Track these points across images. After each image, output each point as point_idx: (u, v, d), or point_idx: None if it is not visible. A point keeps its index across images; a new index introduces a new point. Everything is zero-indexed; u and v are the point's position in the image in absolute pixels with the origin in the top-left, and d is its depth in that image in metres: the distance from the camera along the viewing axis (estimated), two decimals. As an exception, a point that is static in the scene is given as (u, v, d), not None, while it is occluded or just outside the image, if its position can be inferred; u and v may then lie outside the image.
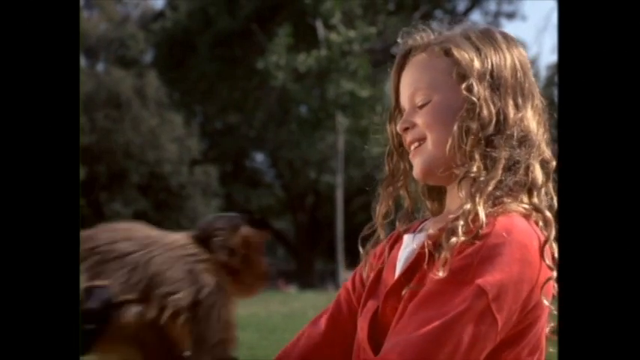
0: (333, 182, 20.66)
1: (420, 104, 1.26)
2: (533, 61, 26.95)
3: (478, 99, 1.20)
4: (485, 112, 1.19)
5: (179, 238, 1.22)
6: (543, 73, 27.85)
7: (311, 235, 29.01)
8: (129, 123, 23.76)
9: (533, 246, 1.12)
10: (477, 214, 1.13)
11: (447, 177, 1.24)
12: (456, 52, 1.24)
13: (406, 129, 1.27)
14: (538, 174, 1.19)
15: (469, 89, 1.20)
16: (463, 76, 1.22)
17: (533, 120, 1.22)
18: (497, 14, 23.87)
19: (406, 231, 1.31)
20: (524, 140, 1.20)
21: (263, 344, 8.57)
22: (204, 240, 1.22)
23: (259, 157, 32.02)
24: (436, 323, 1.08)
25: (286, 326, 10.22)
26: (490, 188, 1.16)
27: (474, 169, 1.17)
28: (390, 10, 20.09)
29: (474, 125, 1.19)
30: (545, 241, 1.12)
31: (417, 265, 1.20)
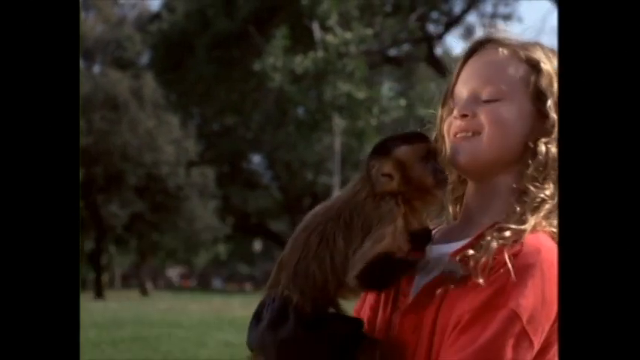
0: (331, 184, 20.65)
1: (486, 99, 1.25)
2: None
3: (554, 121, 1.21)
4: (556, 134, 1.21)
5: (353, 185, 1.25)
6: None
7: (308, 236, 28.93)
8: (126, 125, 23.73)
9: (555, 258, 1.13)
10: (522, 229, 1.15)
11: (485, 174, 1.26)
12: (542, 66, 1.24)
13: (464, 116, 1.25)
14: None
15: (549, 109, 1.22)
16: (539, 92, 1.23)
17: None
18: (493, 16, 23.88)
19: None
20: None
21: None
22: (368, 178, 1.23)
23: (256, 159, 32.04)
24: (473, 347, 1.09)
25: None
26: (547, 207, 1.19)
27: (548, 192, 1.19)
28: (387, 11, 20.08)
29: (553, 148, 1.21)
30: None
31: (439, 284, 1.18)
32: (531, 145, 1.22)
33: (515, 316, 1.09)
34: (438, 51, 22.43)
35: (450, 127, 1.28)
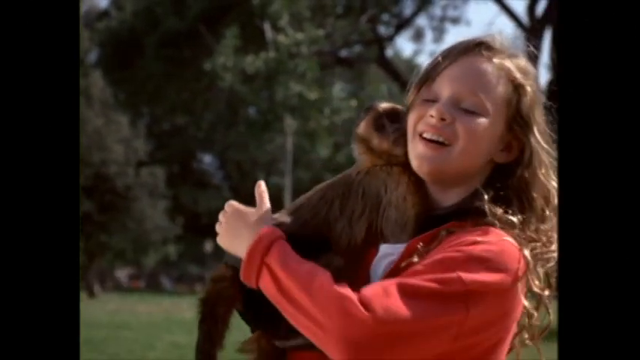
0: (282, 184, 20.62)
1: (468, 109, 1.23)
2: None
3: (533, 149, 1.23)
4: (536, 161, 1.23)
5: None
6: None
7: (259, 236, 28.83)
8: (73, 124, 23.22)
9: (521, 265, 1.15)
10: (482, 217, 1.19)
11: (445, 182, 1.26)
12: (527, 89, 1.24)
13: (443, 119, 1.23)
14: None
15: (534, 138, 1.23)
16: (520, 117, 1.24)
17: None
18: (442, 19, 24.22)
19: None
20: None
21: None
22: None
23: (207, 159, 31.78)
24: (409, 281, 1.10)
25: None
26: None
27: (516, 216, 1.20)
28: (338, 13, 20.18)
29: (529, 173, 1.22)
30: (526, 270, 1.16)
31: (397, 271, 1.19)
32: (498, 161, 1.25)
33: (459, 282, 1.10)
34: (389, 53, 22.66)
35: (419, 120, 1.25)
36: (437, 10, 24.05)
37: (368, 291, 1.10)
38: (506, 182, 1.23)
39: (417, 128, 1.25)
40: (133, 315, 15.49)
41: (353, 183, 1.30)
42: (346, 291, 1.09)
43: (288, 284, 1.13)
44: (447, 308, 1.09)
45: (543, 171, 1.23)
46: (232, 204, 1.31)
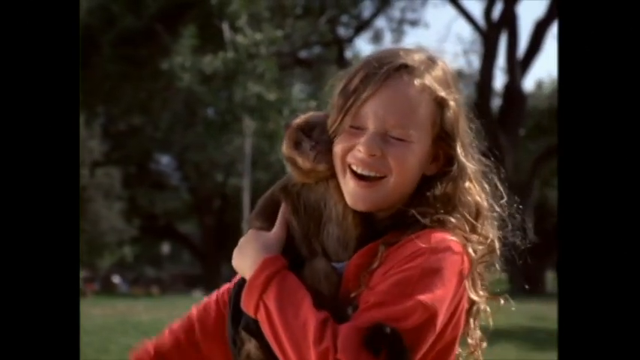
0: (241, 185, 20.52)
1: (396, 137, 1.22)
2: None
3: (460, 163, 1.25)
4: (463, 174, 1.26)
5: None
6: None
7: (218, 238, 28.68)
8: (26, 123, 22.74)
9: (465, 264, 1.19)
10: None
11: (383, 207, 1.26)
12: (450, 104, 1.25)
13: (372, 155, 1.22)
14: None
15: (460, 149, 1.25)
16: (445, 134, 1.25)
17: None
18: (401, 21, 24.43)
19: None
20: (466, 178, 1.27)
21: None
22: None
23: (165, 160, 31.42)
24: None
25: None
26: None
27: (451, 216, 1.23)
28: (298, 13, 20.17)
29: (454, 185, 1.25)
30: (470, 268, 1.19)
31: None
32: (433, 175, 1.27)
33: (424, 309, 1.13)
34: (348, 54, 22.72)
35: (347, 151, 1.24)
36: (396, 13, 24.25)
37: (344, 342, 1.10)
38: (434, 192, 1.25)
39: (345, 160, 1.24)
40: (87, 318, 15.22)
41: (293, 196, 1.27)
42: (328, 343, 1.09)
43: (279, 330, 1.15)
44: (420, 340, 1.12)
45: (467, 184, 1.26)
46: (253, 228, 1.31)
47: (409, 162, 1.23)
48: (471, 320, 1.27)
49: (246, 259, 1.24)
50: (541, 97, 27.29)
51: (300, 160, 1.25)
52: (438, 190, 1.25)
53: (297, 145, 1.25)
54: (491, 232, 1.26)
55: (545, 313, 11.69)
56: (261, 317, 1.18)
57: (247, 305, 1.20)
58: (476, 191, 1.27)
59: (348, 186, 1.23)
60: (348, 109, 1.23)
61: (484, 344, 1.30)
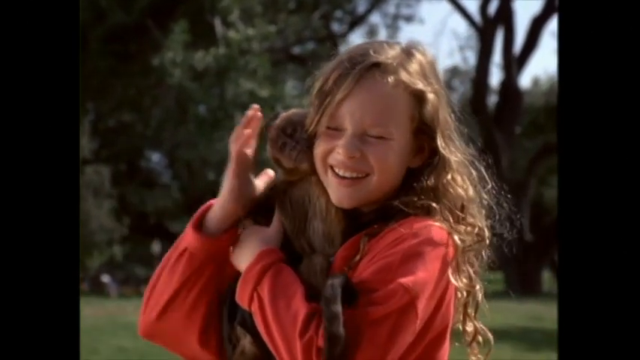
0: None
1: (375, 135, 1.24)
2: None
3: (442, 154, 1.27)
4: (445, 165, 1.28)
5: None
6: (440, 76, 28.56)
7: (209, 237, 28.60)
8: (13, 120, 22.66)
9: (450, 249, 1.21)
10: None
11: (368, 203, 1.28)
12: (427, 96, 1.26)
13: (352, 157, 1.24)
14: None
15: (440, 140, 1.27)
16: (424, 126, 1.26)
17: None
18: (396, 17, 24.45)
19: None
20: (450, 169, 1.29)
21: (157, 350, 8.40)
22: None
23: (155, 157, 31.35)
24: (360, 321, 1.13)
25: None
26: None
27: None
28: (291, 8, 20.17)
29: (437, 176, 1.27)
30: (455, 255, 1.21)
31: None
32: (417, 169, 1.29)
33: (404, 291, 1.15)
34: (342, 50, 22.67)
35: (328, 153, 1.26)
36: (390, 8, 24.28)
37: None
38: (420, 184, 1.28)
39: (327, 161, 1.27)
40: (77, 319, 15.15)
41: (280, 194, 1.32)
42: (312, 332, 1.12)
43: (270, 321, 1.17)
44: (403, 323, 1.14)
45: (450, 175, 1.28)
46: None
47: (390, 159, 1.25)
48: (464, 310, 1.29)
49: (244, 252, 1.27)
50: (537, 94, 27.36)
51: (283, 161, 1.29)
52: (423, 182, 1.27)
53: (279, 145, 1.29)
54: (479, 221, 1.28)
55: (541, 313, 11.73)
56: (254, 308, 1.20)
57: (242, 296, 1.22)
58: (460, 181, 1.29)
59: (331, 185, 1.26)
60: (323, 110, 1.25)
61: (480, 338, 1.30)
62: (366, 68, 1.24)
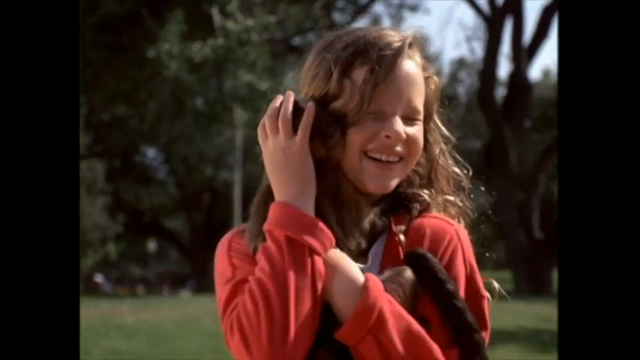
0: (231, 179, 20.53)
1: (410, 119, 1.29)
2: (437, 56, 27.77)
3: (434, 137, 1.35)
4: (440, 150, 1.37)
5: None
6: (447, 68, 28.64)
7: (206, 235, 28.70)
8: (3, 113, 22.68)
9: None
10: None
11: None
12: (434, 79, 1.34)
13: (399, 140, 1.28)
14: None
15: (433, 123, 1.35)
16: (427, 107, 1.33)
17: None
18: (400, 6, 24.45)
19: None
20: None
21: (153, 352, 8.42)
22: None
23: (151, 152, 31.41)
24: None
25: (178, 334, 10.06)
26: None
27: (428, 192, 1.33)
28: (291, -2, 20.16)
29: (431, 157, 1.35)
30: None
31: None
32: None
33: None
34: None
35: (370, 139, 1.27)
36: (395, -3, 24.24)
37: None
38: (419, 171, 1.35)
39: (366, 147, 1.27)
40: (70, 320, 15.17)
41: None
42: None
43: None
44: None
45: (442, 160, 1.36)
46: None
47: (420, 140, 1.30)
48: None
49: (342, 281, 1.20)
50: (548, 86, 27.35)
51: (314, 151, 1.26)
52: (422, 168, 1.34)
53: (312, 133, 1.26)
54: (469, 204, 1.37)
55: (550, 314, 11.73)
56: (368, 347, 1.16)
57: (349, 337, 1.17)
58: (450, 164, 1.37)
59: (367, 170, 1.27)
60: (369, 97, 1.25)
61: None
62: (402, 46, 1.28)
